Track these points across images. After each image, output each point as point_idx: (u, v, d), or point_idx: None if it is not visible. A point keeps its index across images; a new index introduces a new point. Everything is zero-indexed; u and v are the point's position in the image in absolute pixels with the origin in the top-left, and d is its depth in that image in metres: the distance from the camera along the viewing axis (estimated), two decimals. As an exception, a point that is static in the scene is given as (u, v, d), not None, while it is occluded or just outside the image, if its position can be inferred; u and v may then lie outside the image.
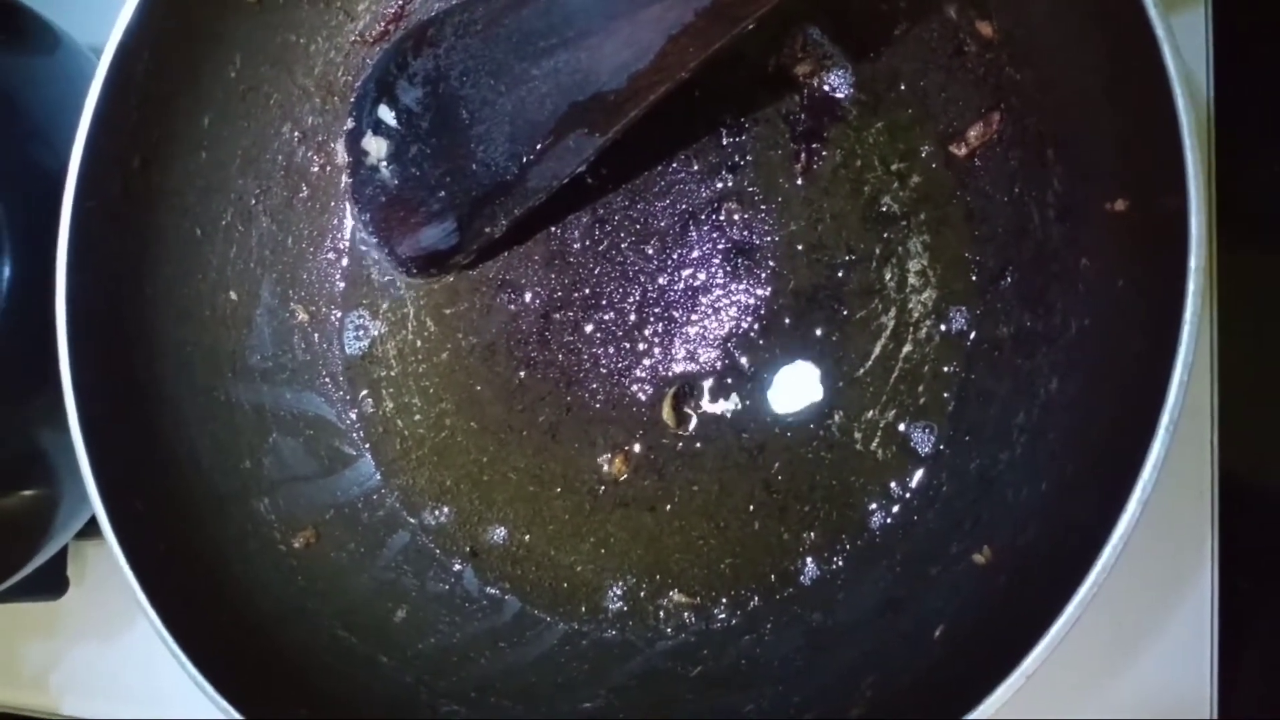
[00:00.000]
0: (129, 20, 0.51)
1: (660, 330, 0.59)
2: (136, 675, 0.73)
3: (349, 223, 0.64)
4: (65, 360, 0.51)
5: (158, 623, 0.49)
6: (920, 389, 0.55)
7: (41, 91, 0.61)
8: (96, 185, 0.52)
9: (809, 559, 0.56)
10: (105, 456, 0.51)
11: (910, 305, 0.56)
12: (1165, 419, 0.39)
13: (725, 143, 0.59)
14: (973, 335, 0.55)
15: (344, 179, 0.63)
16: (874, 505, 0.56)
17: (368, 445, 0.63)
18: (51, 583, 0.71)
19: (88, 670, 0.75)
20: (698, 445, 0.58)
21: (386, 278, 0.64)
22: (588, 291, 0.61)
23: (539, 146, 0.53)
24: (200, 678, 0.48)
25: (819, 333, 0.57)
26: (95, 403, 0.52)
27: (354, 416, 0.63)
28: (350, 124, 0.61)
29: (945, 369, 0.55)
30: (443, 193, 0.58)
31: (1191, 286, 0.39)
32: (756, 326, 0.58)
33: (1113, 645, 0.57)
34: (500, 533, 0.61)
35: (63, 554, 0.69)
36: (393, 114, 0.58)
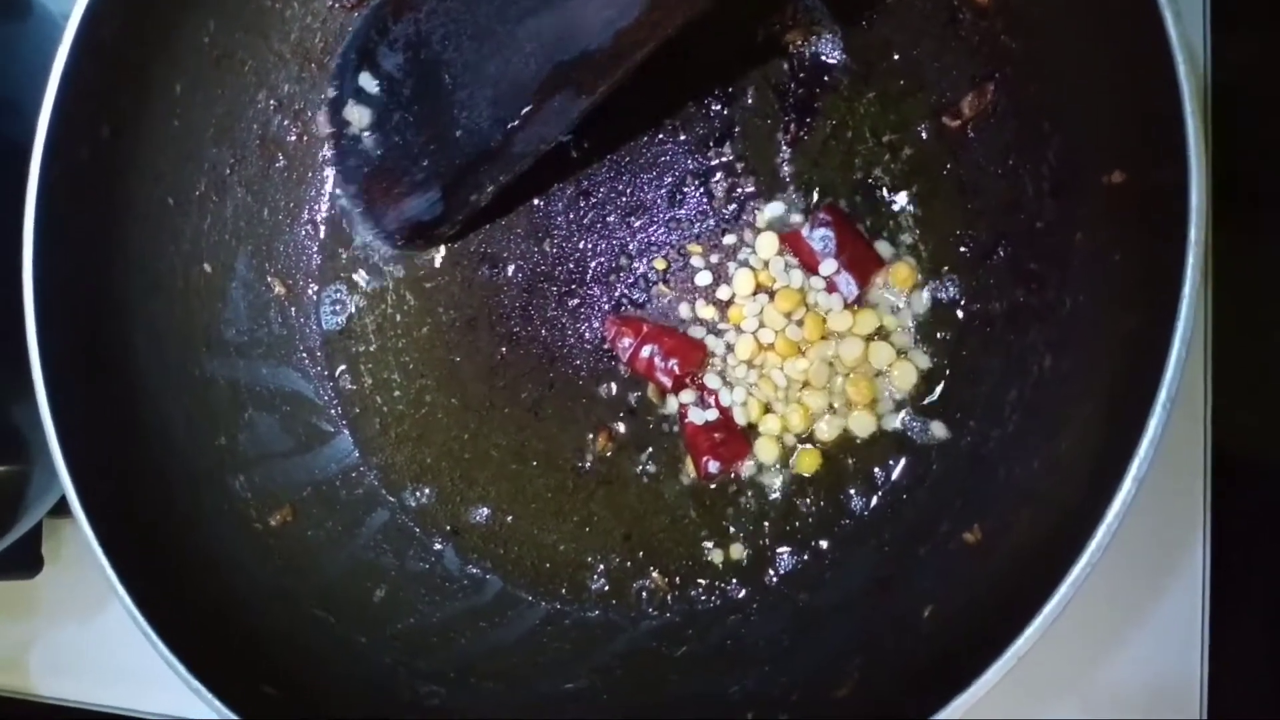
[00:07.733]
0: (98, -18, 0.50)
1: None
2: (114, 654, 0.72)
3: (327, 194, 0.62)
4: (33, 334, 0.50)
5: (129, 602, 0.48)
6: (911, 365, 0.55)
7: (11, 59, 0.59)
8: (65, 153, 0.51)
9: (797, 537, 0.55)
10: (75, 433, 0.50)
11: (901, 280, 0.55)
12: (1163, 395, 0.38)
13: (713, 113, 0.58)
14: (964, 310, 0.54)
15: (323, 149, 0.62)
16: (864, 484, 0.55)
17: (345, 422, 0.62)
18: (26, 561, 0.69)
19: (64, 649, 0.74)
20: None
21: (365, 250, 0.62)
22: (571, 265, 0.59)
23: (524, 110, 0.51)
24: (173, 658, 0.47)
25: (808, 308, 0.56)
26: (64, 378, 0.50)
27: (331, 392, 0.62)
28: (331, 92, 0.60)
29: (937, 343, 0.54)
30: (426, 161, 0.56)
31: (1191, 260, 0.38)
32: (744, 302, 0.57)
33: (1102, 630, 0.56)
34: (482, 511, 0.60)
35: (37, 532, 0.68)
36: (375, 81, 0.57)
